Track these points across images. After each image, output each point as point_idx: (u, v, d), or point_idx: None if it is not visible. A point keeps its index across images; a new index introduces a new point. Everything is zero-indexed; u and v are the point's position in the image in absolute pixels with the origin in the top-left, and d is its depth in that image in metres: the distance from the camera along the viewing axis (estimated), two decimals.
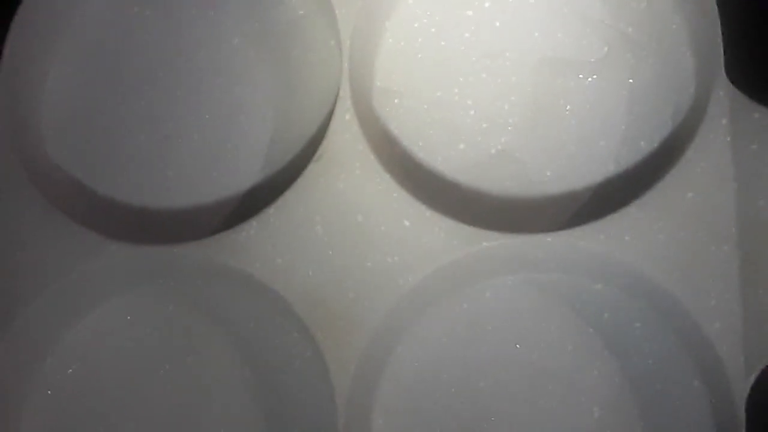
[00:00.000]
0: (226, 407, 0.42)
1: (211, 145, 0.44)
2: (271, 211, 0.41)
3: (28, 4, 0.44)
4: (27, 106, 0.45)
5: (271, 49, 0.44)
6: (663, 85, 0.42)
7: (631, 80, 0.42)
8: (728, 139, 0.40)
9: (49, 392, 0.42)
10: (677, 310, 0.39)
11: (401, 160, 0.42)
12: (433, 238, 0.40)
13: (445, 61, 0.43)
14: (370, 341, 0.40)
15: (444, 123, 0.43)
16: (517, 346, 0.41)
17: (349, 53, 0.42)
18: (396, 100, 0.43)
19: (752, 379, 0.38)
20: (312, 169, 0.41)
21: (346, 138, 0.41)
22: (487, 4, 0.44)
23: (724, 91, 0.40)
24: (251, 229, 0.41)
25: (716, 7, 0.41)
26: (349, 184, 0.41)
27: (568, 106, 0.43)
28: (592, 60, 0.43)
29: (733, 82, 0.40)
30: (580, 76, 0.43)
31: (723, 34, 0.40)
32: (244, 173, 0.43)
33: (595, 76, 0.43)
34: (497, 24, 0.44)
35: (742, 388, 0.38)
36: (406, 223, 0.40)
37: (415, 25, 0.44)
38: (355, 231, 0.40)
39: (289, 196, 0.41)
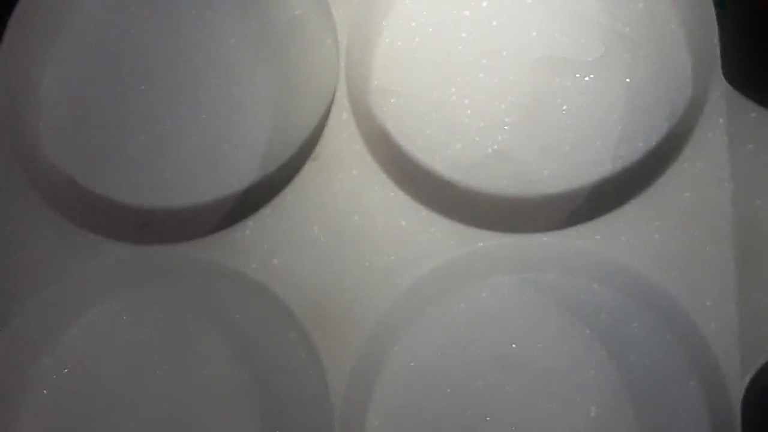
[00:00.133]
0: (223, 407, 0.42)
1: (208, 145, 0.44)
2: (268, 211, 0.41)
3: (25, 3, 0.44)
4: (24, 106, 0.45)
5: (269, 49, 0.44)
6: (660, 85, 0.42)
7: (628, 80, 0.42)
8: (725, 138, 0.40)
9: (45, 392, 0.42)
10: (674, 310, 0.39)
11: (398, 159, 0.42)
12: (429, 237, 0.40)
13: (443, 61, 0.43)
14: (366, 341, 0.40)
15: (441, 122, 0.43)
16: (514, 345, 0.41)
17: (346, 52, 0.42)
18: (393, 100, 0.43)
19: (748, 378, 0.38)
20: (309, 169, 0.41)
21: (343, 137, 0.41)
22: (484, 4, 0.44)
23: (721, 91, 0.40)
24: (248, 228, 0.41)
25: (713, 7, 0.41)
26: (345, 183, 0.41)
27: (565, 106, 0.43)
28: (590, 60, 0.43)
29: (730, 82, 0.40)
30: (577, 75, 0.43)
31: (720, 34, 0.40)
32: (241, 172, 0.43)
33: (592, 76, 0.43)
34: (494, 23, 0.44)
35: (738, 387, 0.38)
36: (403, 222, 0.40)
37: (413, 24, 0.44)
38: (352, 230, 0.40)
39: (286, 196, 0.41)
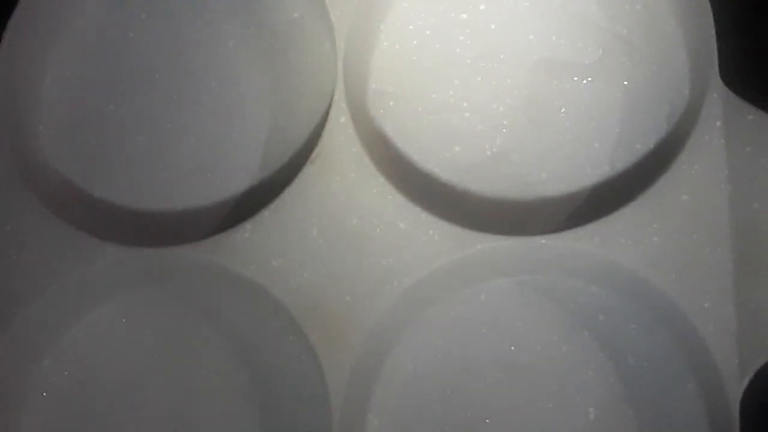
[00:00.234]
0: (222, 409, 0.42)
1: (207, 147, 0.44)
2: (267, 214, 0.41)
3: (25, 5, 0.44)
4: (24, 108, 0.45)
5: (267, 52, 0.44)
6: (658, 88, 0.42)
7: (626, 82, 0.43)
8: (722, 141, 0.40)
9: (45, 394, 0.42)
10: (672, 312, 0.39)
11: (396, 162, 0.42)
12: (428, 240, 0.40)
13: (441, 64, 0.43)
14: (365, 343, 0.40)
15: (439, 125, 0.43)
16: (513, 347, 0.41)
17: (344, 55, 0.42)
18: (391, 103, 0.43)
19: (746, 381, 0.38)
20: (307, 172, 0.41)
21: (341, 140, 0.41)
22: (482, 7, 0.44)
23: (718, 94, 0.40)
24: (247, 231, 0.41)
25: (710, 9, 0.41)
26: (344, 186, 0.41)
27: (564, 109, 0.43)
28: (588, 62, 0.43)
29: (727, 85, 0.40)
30: (576, 78, 0.43)
31: (717, 36, 0.40)
32: (240, 175, 0.43)
33: (590, 79, 0.43)
34: (492, 26, 0.44)
35: (736, 389, 0.38)
36: (401, 225, 0.40)
37: (410, 27, 0.44)
38: (350, 233, 0.41)
39: (285, 199, 0.41)
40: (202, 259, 0.41)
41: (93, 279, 0.42)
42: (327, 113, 0.41)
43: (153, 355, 0.42)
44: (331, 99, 0.42)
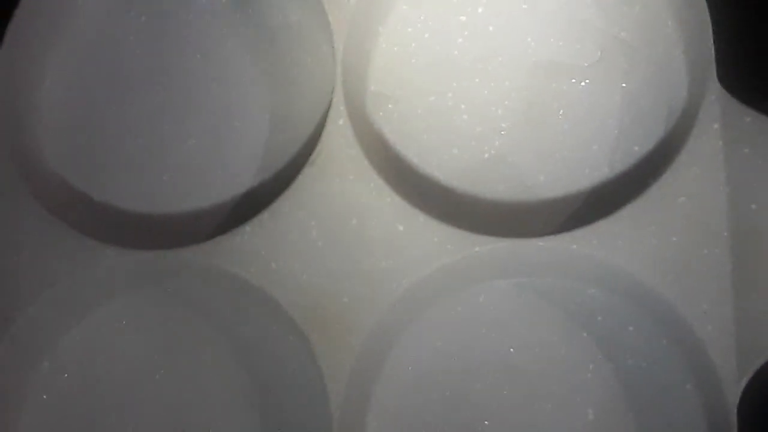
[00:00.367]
0: (222, 410, 0.42)
1: (206, 150, 0.44)
2: (266, 216, 0.41)
3: (25, 7, 0.44)
4: (23, 111, 0.45)
5: (266, 54, 0.44)
6: (656, 90, 0.42)
7: (624, 84, 0.43)
8: (720, 143, 0.40)
9: (44, 396, 0.42)
10: (670, 314, 0.39)
11: (395, 164, 0.42)
12: (426, 242, 0.40)
13: (439, 66, 0.43)
14: (364, 345, 0.40)
15: (437, 127, 0.43)
16: (512, 349, 0.41)
17: (342, 58, 0.42)
18: (389, 105, 0.43)
19: (744, 382, 0.38)
20: (306, 174, 0.41)
21: (339, 143, 0.41)
22: (480, 9, 0.44)
23: (716, 96, 0.40)
24: (246, 233, 0.41)
25: (708, 12, 0.41)
26: (343, 188, 0.41)
27: (562, 111, 0.43)
28: (586, 64, 0.43)
29: (725, 87, 0.40)
30: (574, 80, 0.43)
31: (715, 38, 0.40)
32: (239, 178, 0.43)
33: (588, 81, 0.43)
34: (491, 29, 0.44)
35: (734, 391, 0.38)
36: (400, 227, 0.41)
37: (409, 29, 0.44)
38: (349, 235, 0.41)
39: (284, 201, 0.41)
40: (201, 262, 0.41)
41: (93, 281, 0.42)
42: (326, 115, 0.42)
43: (152, 357, 0.42)
44: (330, 101, 0.42)
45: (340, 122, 0.41)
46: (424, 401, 0.41)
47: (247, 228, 0.41)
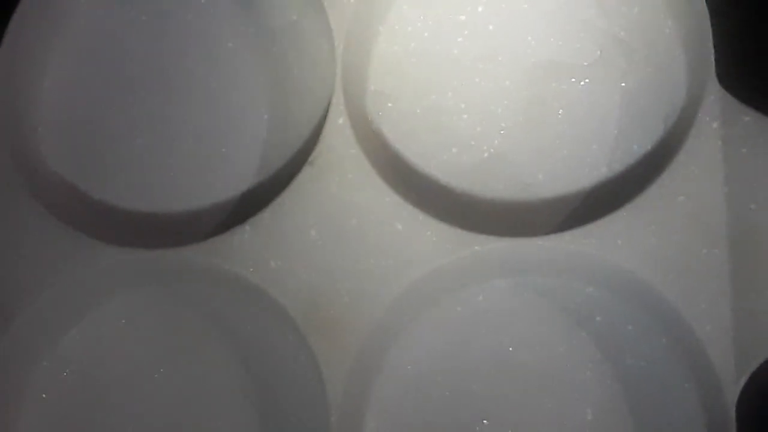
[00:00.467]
0: (221, 409, 0.42)
1: (205, 150, 0.44)
2: (266, 215, 0.41)
3: (25, 6, 0.44)
4: (23, 110, 0.45)
5: (265, 54, 0.45)
6: (655, 89, 0.42)
7: (623, 84, 0.43)
8: (719, 142, 0.40)
9: (44, 395, 0.42)
10: (669, 313, 0.39)
11: (394, 163, 0.42)
12: (425, 241, 0.40)
13: (438, 65, 0.43)
14: (363, 344, 0.40)
15: (437, 127, 0.43)
16: (511, 348, 0.41)
17: (342, 57, 0.42)
18: (389, 104, 0.43)
19: (743, 381, 0.38)
20: (306, 173, 0.41)
21: (339, 142, 0.41)
22: (480, 9, 0.44)
23: (715, 95, 0.40)
24: (245, 232, 0.41)
25: (707, 11, 0.41)
26: (342, 187, 0.41)
27: (561, 110, 0.43)
28: (585, 64, 0.43)
29: (724, 86, 0.40)
30: (573, 79, 0.43)
31: (714, 38, 0.40)
32: (239, 177, 0.43)
33: (587, 80, 0.43)
34: (490, 28, 0.44)
35: (732, 390, 0.38)
36: (400, 226, 0.41)
37: (409, 29, 0.44)
38: (348, 234, 0.41)
39: (283, 200, 0.41)
40: (201, 261, 0.41)
41: (92, 280, 0.42)
42: (325, 115, 0.42)
43: (152, 356, 0.42)
44: (330, 100, 0.42)
45: (340, 121, 0.41)
46: (423, 400, 0.41)
47: (247, 227, 0.41)
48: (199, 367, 0.42)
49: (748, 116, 0.40)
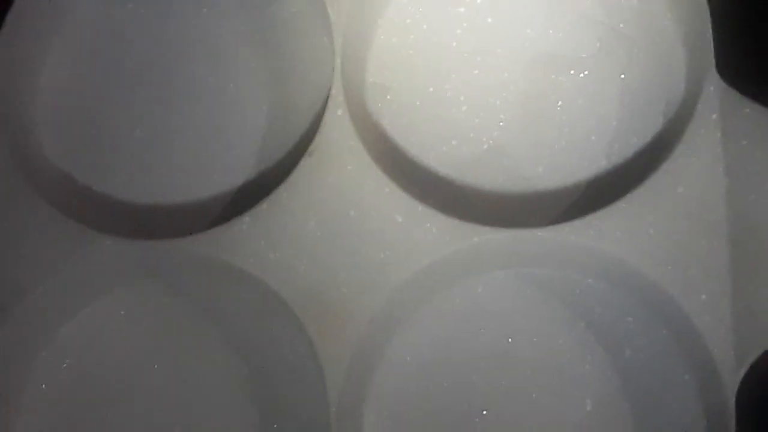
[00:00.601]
0: (220, 401, 0.42)
1: (204, 141, 0.44)
2: (264, 207, 0.41)
3: (22, 1, 0.44)
4: (21, 103, 0.45)
5: (264, 46, 0.45)
6: (654, 81, 0.42)
7: (622, 76, 0.43)
8: (719, 134, 0.40)
9: (43, 386, 0.42)
10: (668, 305, 0.40)
11: (393, 155, 0.42)
12: (425, 233, 0.40)
13: (438, 57, 0.43)
14: (362, 336, 0.40)
15: (436, 119, 0.43)
16: (510, 340, 0.41)
17: (341, 49, 0.42)
18: (388, 96, 0.43)
19: (742, 372, 0.38)
20: (305, 165, 0.41)
21: (338, 134, 0.41)
22: (479, 1, 0.44)
23: (714, 87, 0.40)
24: (244, 224, 0.41)
25: (707, 3, 0.41)
26: (341, 179, 0.41)
27: (560, 102, 0.43)
28: (584, 56, 0.43)
29: (723, 78, 0.40)
30: (572, 72, 0.43)
31: (714, 30, 0.41)
32: (238, 169, 0.43)
33: (587, 72, 0.43)
34: (489, 20, 0.44)
35: (732, 381, 0.38)
36: (399, 218, 0.41)
37: (408, 21, 0.44)
38: (347, 226, 0.41)
39: (282, 192, 0.41)
40: (200, 252, 0.41)
41: (91, 271, 0.42)
42: (324, 106, 0.42)
43: (151, 348, 0.42)
44: (329, 92, 0.42)
45: (339, 113, 0.41)
46: (423, 391, 0.41)
47: (246, 218, 0.41)
48: (198, 359, 0.42)
49: (748, 108, 0.40)
